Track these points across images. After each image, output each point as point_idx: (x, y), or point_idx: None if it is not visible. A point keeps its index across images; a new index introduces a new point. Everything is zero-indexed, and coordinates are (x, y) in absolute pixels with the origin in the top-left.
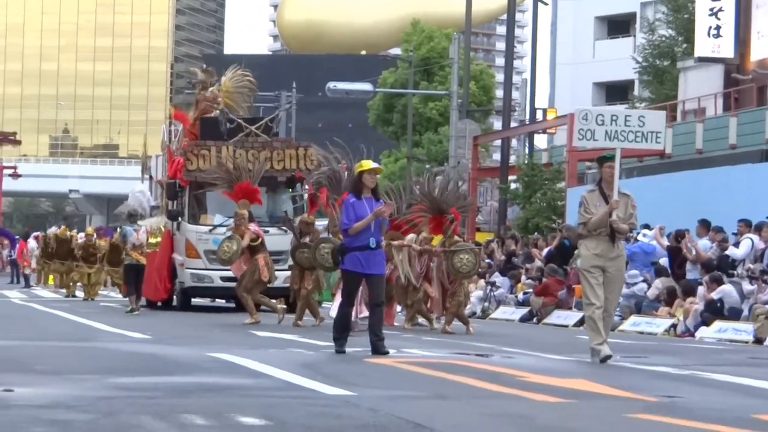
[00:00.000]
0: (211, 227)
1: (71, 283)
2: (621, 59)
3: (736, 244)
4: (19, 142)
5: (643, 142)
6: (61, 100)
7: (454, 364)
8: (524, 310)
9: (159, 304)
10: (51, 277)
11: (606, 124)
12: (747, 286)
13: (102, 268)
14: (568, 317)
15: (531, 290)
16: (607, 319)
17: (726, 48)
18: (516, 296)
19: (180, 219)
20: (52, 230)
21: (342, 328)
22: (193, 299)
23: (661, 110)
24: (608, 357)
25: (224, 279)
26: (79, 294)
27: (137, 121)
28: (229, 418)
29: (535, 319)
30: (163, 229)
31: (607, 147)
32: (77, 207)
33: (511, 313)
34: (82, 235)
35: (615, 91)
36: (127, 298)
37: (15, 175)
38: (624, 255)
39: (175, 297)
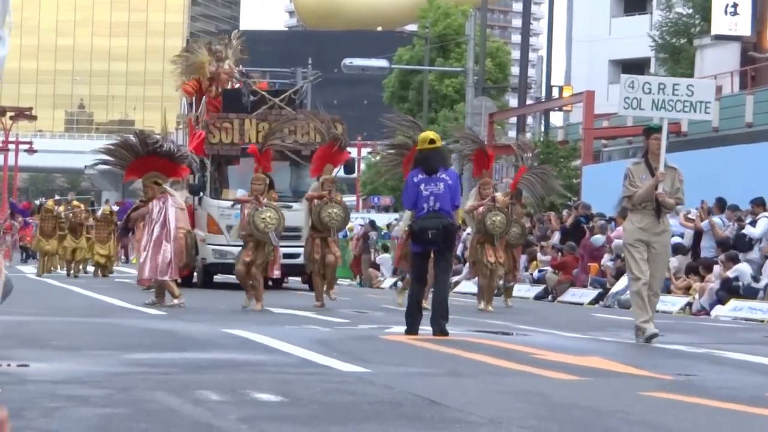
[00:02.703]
0: (233, 202)
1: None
2: (637, 36)
3: (753, 223)
4: (34, 118)
5: (692, 111)
6: (77, 75)
7: (469, 342)
8: (539, 288)
9: (179, 281)
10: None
11: (653, 93)
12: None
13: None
14: (583, 295)
15: (546, 268)
16: (652, 298)
17: (743, 26)
18: (531, 274)
19: (202, 194)
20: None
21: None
22: (215, 276)
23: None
24: (653, 336)
25: None
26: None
27: (153, 96)
28: (243, 394)
29: (550, 297)
30: (184, 204)
31: (654, 116)
32: (92, 183)
33: (526, 290)
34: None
35: (631, 69)
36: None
37: (31, 151)
38: (670, 230)
39: (195, 274)
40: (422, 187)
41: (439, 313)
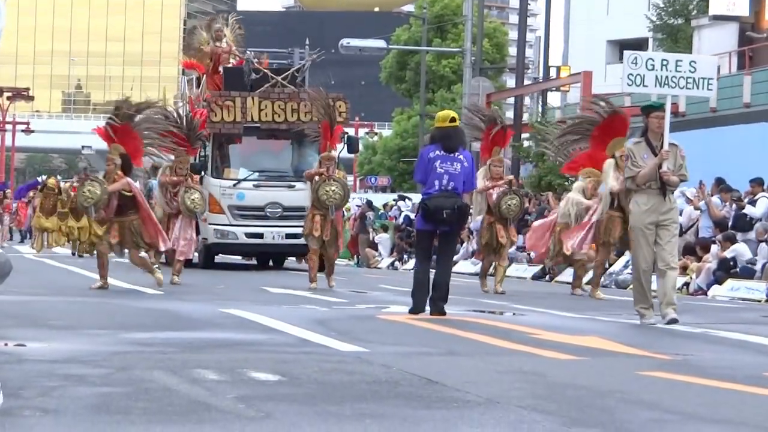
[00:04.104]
0: (235, 181)
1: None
2: (635, 16)
3: (753, 203)
4: (31, 98)
5: (695, 88)
6: (74, 56)
7: (467, 321)
8: (537, 268)
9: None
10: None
11: (656, 69)
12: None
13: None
14: None
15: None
16: (669, 272)
17: (741, 6)
18: (528, 254)
19: (203, 173)
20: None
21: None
22: (216, 256)
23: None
24: (652, 324)
25: (249, 235)
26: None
27: (150, 77)
28: (241, 374)
29: (547, 277)
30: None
31: (657, 93)
32: (90, 163)
33: (523, 270)
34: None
35: (629, 49)
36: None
37: (28, 131)
38: (677, 207)
39: (197, 254)
40: (437, 164)
41: (438, 294)
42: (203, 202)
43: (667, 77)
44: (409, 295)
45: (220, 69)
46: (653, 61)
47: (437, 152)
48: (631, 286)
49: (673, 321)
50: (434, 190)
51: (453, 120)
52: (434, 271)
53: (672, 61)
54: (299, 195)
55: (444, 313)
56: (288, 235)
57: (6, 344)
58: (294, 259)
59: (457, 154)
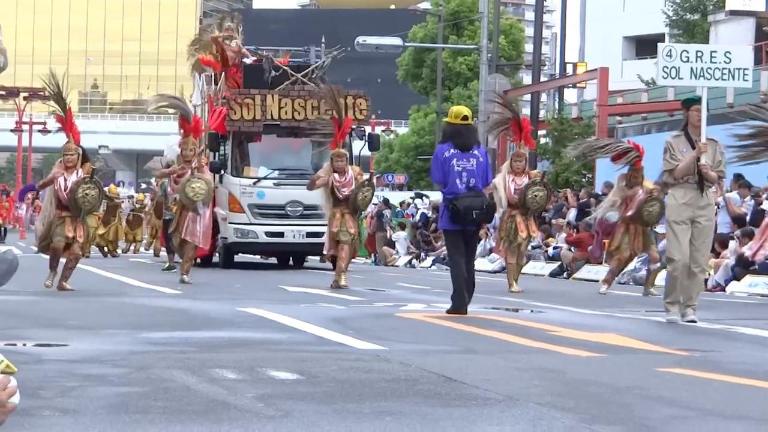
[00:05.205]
0: (255, 180)
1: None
2: (651, 12)
3: None
4: (48, 98)
5: (730, 79)
6: (90, 55)
7: (485, 319)
8: (554, 265)
9: (199, 260)
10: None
11: (691, 61)
12: None
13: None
14: (598, 272)
15: (562, 245)
16: (699, 274)
17: (757, 1)
18: (546, 251)
19: (222, 171)
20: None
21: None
22: (236, 256)
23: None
24: (674, 322)
25: (270, 234)
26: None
27: (166, 76)
28: (260, 372)
29: (565, 274)
30: None
31: (693, 85)
32: (106, 163)
33: (541, 267)
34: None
35: (645, 45)
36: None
37: (44, 131)
38: (714, 205)
39: (216, 253)
40: (454, 162)
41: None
42: (207, 192)
43: (702, 69)
44: (427, 293)
45: (239, 63)
46: (688, 53)
47: (452, 151)
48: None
49: (692, 322)
50: (459, 189)
51: (465, 117)
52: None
53: (707, 52)
54: (315, 193)
55: (465, 312)
56: (309, 234)
57: (24, 344)
58: (316, 258)
59: (471, 150)
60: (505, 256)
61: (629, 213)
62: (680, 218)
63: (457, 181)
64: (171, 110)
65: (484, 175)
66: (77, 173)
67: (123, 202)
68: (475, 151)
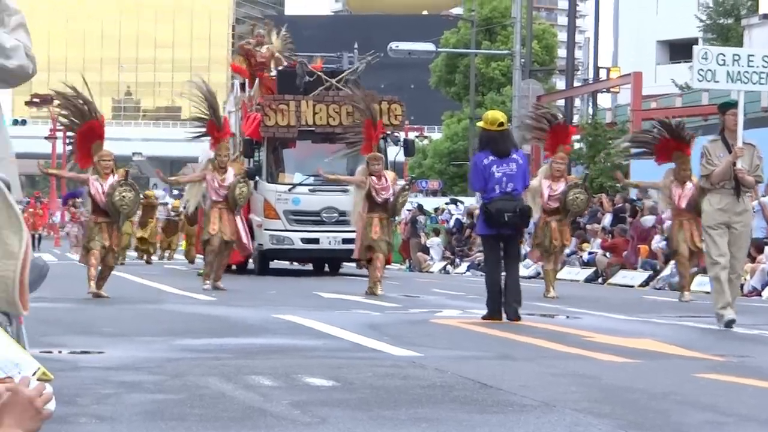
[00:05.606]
0: (290, 186)
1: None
2: (685, 17)
3: None
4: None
5: None
6: (123, 62)
7: (520, 325)
8: (589, 271)
9: (234, 267)
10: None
11: (728, 65)
12: None
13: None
14: (633, 277)
15: (597, 250)
16: (735, 281)
17: None
18: (581, 256)
19: (257, 178)
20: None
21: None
22: (271, 262)
23: None
24: (732, 322)
25: (305, 241)
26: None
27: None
28: (296, 379)
29: (600, 279)
30: None
31: (729, 89)
32: (140, 170)
33: (576, 273)
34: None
35: (679, 49)
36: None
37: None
38: (751, 210)
39: (252, 260)
40: (494, 168)
41: (512, 298)
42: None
43: (739, 72)
44: (462, 299)
45: (273, 72)
46: (724, 56)
47: (490, 158)
48: None
49: (732, 322)
50: (495, 194)
51: (501, 124)
52: (503, 275)
53: (744, 56)
54: (350, 199)
55: (519, 318)
56: (344, 240)
57: (60, 352)
58: (351, 264)
59: (510, 155)
60: (540, 261)
61: (682, 206)
62: (716, 223)
63: (496, 186)
64: (201, 106)
65: (524, 178)
66: (113, 178)
67: (160, 204)
68: (514, 155)
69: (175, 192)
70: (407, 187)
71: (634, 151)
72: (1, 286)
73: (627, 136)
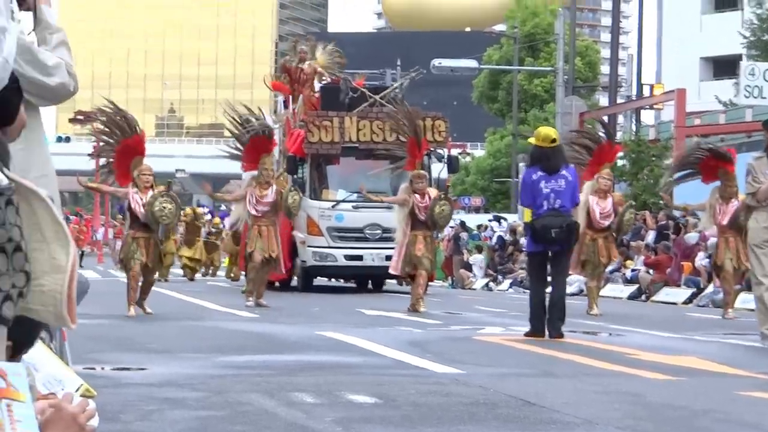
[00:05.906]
0: (334, 203)
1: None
2: (729, 33)
3: None
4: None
5: None
6: (167, 79)
7: (563, 342)
8: (633, 288)
9: (277, 284)
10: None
11: None
12: None
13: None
14: (677, 294)
15: (640, 267)
16: None
17: None
18: (624, 274)
19: (301, 194)
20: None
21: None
22: (314, 279)
23: None
24: None
25: (348, 257)
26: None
27: (242, 99)
28: (338, 396)
29: (643, 297)
30: None
31: None
32: (183, 187)
33: (619, 291)
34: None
35: (723, 66)
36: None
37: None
38: None
39: (295, 277)
40: (543, 184)
41: (555, 315)
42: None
43: None
44: (505, 316)
45: (316, 88)
46: None
47: (539, 173)
48: None
49: None
50: (543, 210)
51: (554, 141)
52: (549, 291)
53: None
54: (393, 216)
55: (562, 335)
56: (388, 257)
57: (103, 368)
58: (394, 281)
59: (560, 171)
60: (576, 272)
61: (724, 223)
62: (762, 241)
63: (545, 202)
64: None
65: (573, 195)
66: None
67: (206, 223)
68: (563, 171)
69: (222, 208)
70: (442, 196)
71: (677, 175)
72: (49, 301)
73: (668, 163)
